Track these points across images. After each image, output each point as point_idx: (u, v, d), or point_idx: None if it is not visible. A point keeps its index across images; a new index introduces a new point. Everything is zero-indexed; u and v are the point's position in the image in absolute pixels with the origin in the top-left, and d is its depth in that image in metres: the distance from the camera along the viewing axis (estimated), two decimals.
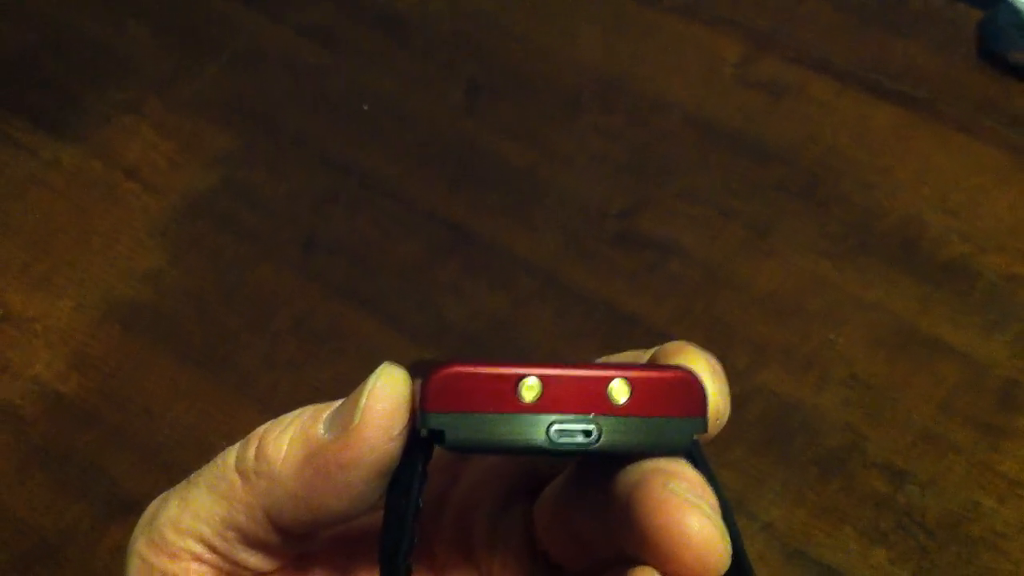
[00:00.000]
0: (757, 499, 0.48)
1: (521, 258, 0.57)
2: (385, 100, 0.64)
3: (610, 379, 0.19)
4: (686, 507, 0.19)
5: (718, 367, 0.22)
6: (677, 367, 0.21)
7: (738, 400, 0.51)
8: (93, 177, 0.61)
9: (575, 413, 0.19)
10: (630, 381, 0.20)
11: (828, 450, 0.49)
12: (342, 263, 0.57)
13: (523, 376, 0.19)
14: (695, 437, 0.21)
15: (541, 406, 0.19)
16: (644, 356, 0.22)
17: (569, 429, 0.19)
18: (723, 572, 0.19)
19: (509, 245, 0.58)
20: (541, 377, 0.19)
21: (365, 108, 0.64)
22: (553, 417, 0.19)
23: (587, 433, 0.19)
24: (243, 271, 0.56)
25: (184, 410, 0.51)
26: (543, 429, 0.19)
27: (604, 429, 0.19)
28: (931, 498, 0.48)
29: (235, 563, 0.22)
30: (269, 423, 0.22)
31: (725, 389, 0.22)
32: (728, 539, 0.19)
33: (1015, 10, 0.64)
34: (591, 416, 0.19)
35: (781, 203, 0.59)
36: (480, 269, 0.57)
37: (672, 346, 0.22)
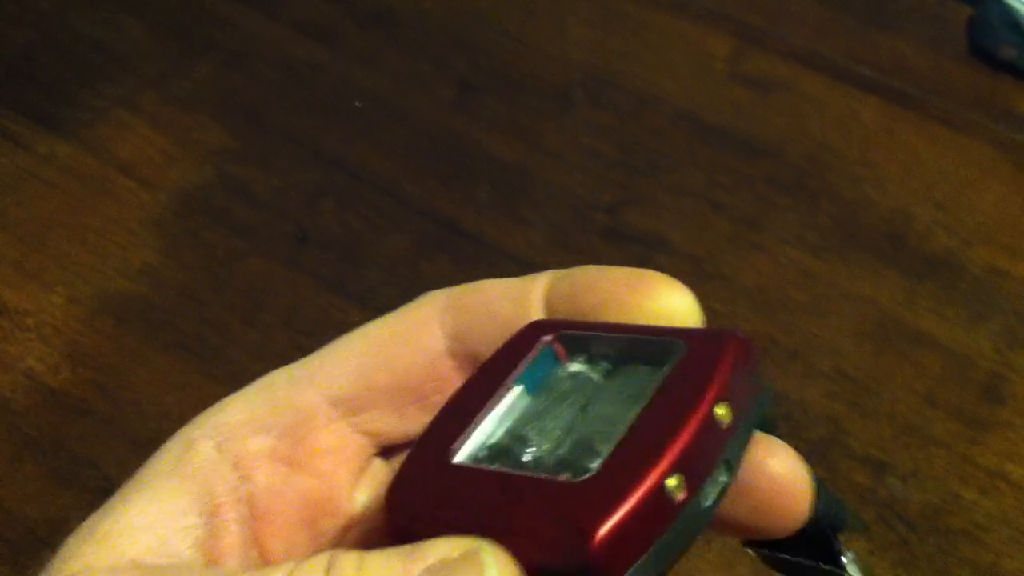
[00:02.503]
0: None
1: (510, 252, 0.58)
2: (377, 96, 0.64)
3: (712, 406, 0.18)
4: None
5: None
6: (725, 334, 0.19)
7: None
8: (88, 172, 0.62)
9: (711, 471, 0.18)
10: (725, 396, 0.18)
11: (810, 442, 0.50)
12: (333, 257, 0.58)
13: (665, 477, 0.17)
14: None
15: (690, 488, 0.17)
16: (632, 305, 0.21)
17: (714, 488, 0.18)
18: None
19: (499, 240, 0.58)
20: (675, 465, 0.17)
21: (357, 105, 0.64)
22: (702, 489, 0.17)
23: (728, 469, 0.18)
24: (235, 265, 0.57)
25: (175, 402, 0.52)
26: (702, 503, 0.17)
27: (731, 457, 0.18)
28: (912, 490, 0.48)
29: None
30: None
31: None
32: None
33: (1004, 6, 0.64)
34: (720, 461, 0.18)
35: (769, 197, 0.60)
36: (470, 263, 0.57)
37: (675, 302, 0.21)
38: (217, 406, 0.23)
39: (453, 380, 0.22)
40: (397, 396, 0.22)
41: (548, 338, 0.21)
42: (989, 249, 0.57)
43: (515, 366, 0.21)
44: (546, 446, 0.19)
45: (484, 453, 0.20)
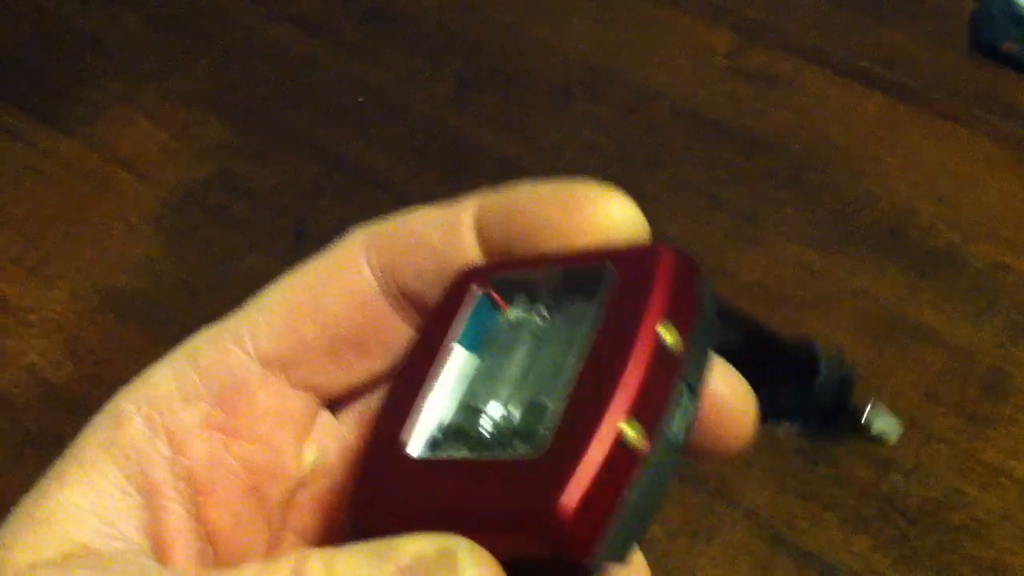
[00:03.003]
0: (741, 485, 0.48)
1: None
2: (375, 91, 0.64)
3: (655, 332, 0.16)
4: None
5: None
6: (657, 249, 0.17)
7: None
8: (88, 167, 0.62)
9: (670, 407, 0.16)
10: (668, 318, 0.16)
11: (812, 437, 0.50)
12: None
13: (620, 427, 0.15)
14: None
15: (650, 431, 0.16)
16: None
17: (681, 421, 0.16)
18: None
19: None
20: (629, 411, 0.15)
21: (360, 100, 0.64)
22: (666, 426, 0.16)
23: (692, 394, 0.16)
24: (234, 260, 0.57)
25: None
26: (671, 441, 0.16)
27: (692, 381, 0.17)
28: (914, 486, 0.48)
29: None
30: None
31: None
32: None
33: (1007, 1, 0.64)
34: (678, 390, 0.16)
35: (769, 192, 0.60)
36: None
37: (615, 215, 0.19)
38: (144, 375, 0.21)
39: (389, 322, 0.21)
40: (333, 346, 0.21)
41: (479, 289, 0.19)
42: (991, 244, 0.57)
43: (448, 320, 0.19)
44: (501, 413, 0.18)
45: (440, 436, 0.19)
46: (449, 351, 0.19)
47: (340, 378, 0.21)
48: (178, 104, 0.64)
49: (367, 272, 0.21)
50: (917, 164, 0.60)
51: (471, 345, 0.20)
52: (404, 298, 0.21)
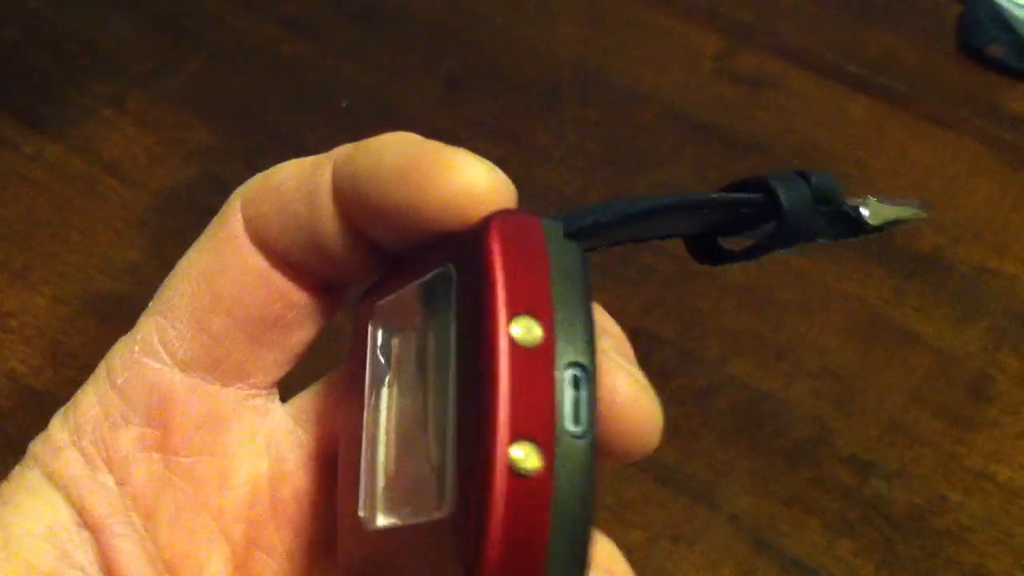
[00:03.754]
0: (724, 489, 0.48)
1: None
2: (364, 92, 0.64)
3: (503, 335, 0.14)
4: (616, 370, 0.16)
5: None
6: (484, 223, 0.15)
7: (708, 390, 0.52)
8: (74, 171, 0.61)
9: (557, 403, 0.14)
10: (514, 310, 0.14)
11: (796, 441, 0.50)
12: None
13: (507, 458, 0.14)
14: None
15: (544, 444, 0.14)
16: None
17: (575, 406, 0.15)
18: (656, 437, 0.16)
19: None
20: (512, 434, 0.14)
21: (344, 105, 0.64)
22: (563, 424, 0.15)
23: (586, 376, 0.15)
24: None
25: None
26: (575, 435, 0.15)
27: (580, 360, 0.15)
28: (898, 490, 0.48)
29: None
30: None
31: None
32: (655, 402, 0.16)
33: (993, 4, 0.64)
34: (562, 373, 0.15)
35: None
36: None
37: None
38: (72, 403, 0.20)
39: (291, 290, 0.20)
40: (249, 332, 0.20)
41: (370, 317, 0.19)
42: (977, 247, 0.57)
43: (363, 362, 0.19)
44: (416, 462, 0.17)
45: (383, 498, 0.18)
46: (366, 397, 0.18)
47: (266, 361, 0.20)
48: (165, 107, 0.64)
49: (252, 247, 0.19)
50: (904, 167, 0.60)
51: (384, 381, 0.18)
52: (291, 267, 0.20)
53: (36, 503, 0.20)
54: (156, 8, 0.69)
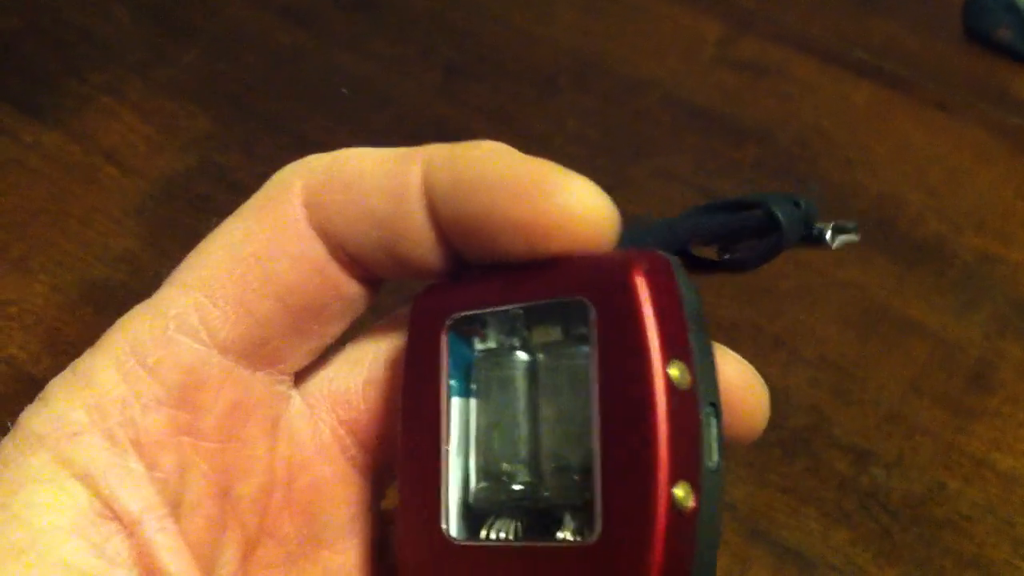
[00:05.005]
0: None
1: None
2: (362, 81, 0.64)
3: (664, 380, 0.16)
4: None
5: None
6: (628, 271, 0.16)
7: None
8: (72, 160, 0.61)
9: (700, 442, 0.16)
10: (669, 355, 0.16)
11: (793, 430, 0.49)
12: None
13: (672, 497, 0.15)
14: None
15: (694, 484, 0.16)
16: None
17: (713, 444, 0.17)
18: None
19: None
20: (674, 475, 0.15)
21: (344, 92, 0.64)
22: (705, 462, 0.16)
23: (713, 409, 0.17)
24: None
25: None
26: (714, 472, 0.16)
27: (707, 396, 0.17)
28: (896, 479, 0.48)
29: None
30: None
31: None
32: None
33: None
34: (704, 413, 0.16)
35: (758, 182, 0.59)
36: None
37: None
38: (82, 373, 0.19)
39: (343, 283, 0.19)
40: (291, 319, 0.19)
41: (448, 325, 0.18)
42: (981, 235, 0.56)
43: (435, 369, 0.18)
44: (526, 479, 0.18)
45: (476, 513, 0.18)
46: (447, 405, 0.18)
47: (302, 349, 0.20)
48: (163, 96, 0.64)
49: (314, 236, 0.19)
50: (907, 154, 0.60)
51: (463, 391, 0.19)
52: (351, 259, 0.19)
53: (52, 493, 0.17)
54: None
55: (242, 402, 0.19)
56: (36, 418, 0.19)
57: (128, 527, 0.18)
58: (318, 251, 0.19)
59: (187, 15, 0.67)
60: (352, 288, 0.20)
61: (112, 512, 0.18)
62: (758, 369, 0.53)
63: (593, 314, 0.16)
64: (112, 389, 0.19)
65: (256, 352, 0.19)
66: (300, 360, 0.20)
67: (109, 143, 0.62)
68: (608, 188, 0.65)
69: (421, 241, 0.19)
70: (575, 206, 0.17)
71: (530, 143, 0.62)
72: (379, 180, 0.19)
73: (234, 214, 0.20)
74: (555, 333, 0.18)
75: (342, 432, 0.20)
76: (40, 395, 0.20)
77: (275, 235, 0.19)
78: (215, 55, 0.66)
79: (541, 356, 0.18)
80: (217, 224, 0.20)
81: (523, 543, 0.17)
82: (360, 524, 0.20)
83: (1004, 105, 0.61)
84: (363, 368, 0.21)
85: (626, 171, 0.60)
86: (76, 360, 0.19)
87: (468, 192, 0.18)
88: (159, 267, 0.56)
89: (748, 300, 0.54)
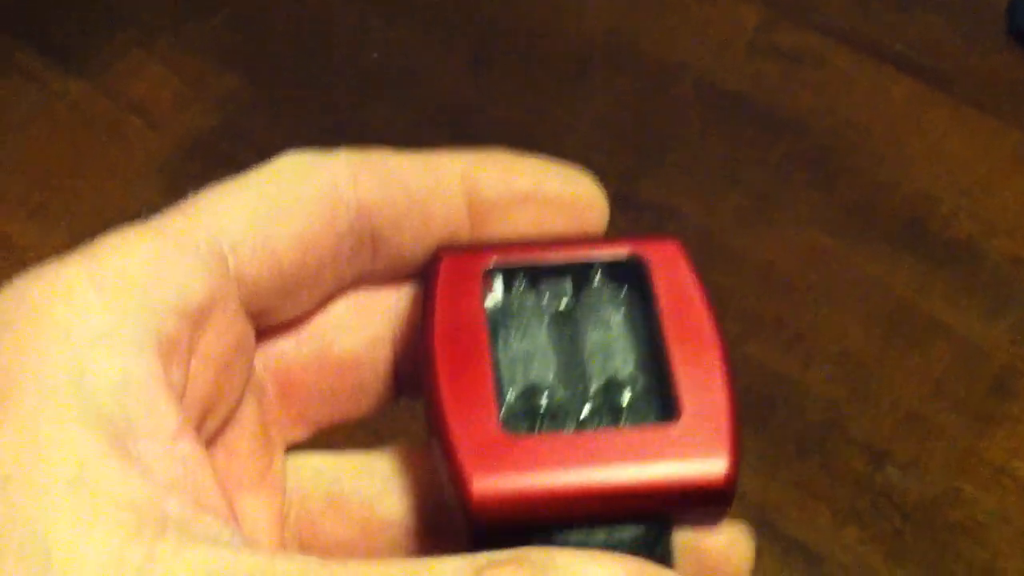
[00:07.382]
0: None
1: None
2: (391, 52, 0.63)
3: (716, 323, 0.19)
4: None
5: None
6: (664, 241, 0.20)
7: None
8: (98, 111, 0.61)
9: None
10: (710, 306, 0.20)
11: (809, 425, 0.48)
12: None
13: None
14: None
15: None
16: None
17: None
18: None
19: None
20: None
21: (375, 56, 0.63)
22: None
23: None
24: None
25: None
26: None
27: None
28: (911, 481, 0.47)
29: None
30: None
31: None
32: None
33: None
34: None
35: (788, 174, 0.58)
36: None
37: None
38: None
39: (347, 262, 0.20)
40: (296, 275, 0.19)
41: (486, 269, 0.20)
42: (1012, 239, 0.55)
43: (475, 307, 0.19)
44: (566, 392, 0.19)
45: (531, 413, 0.19)
46: (484, 334, 0.19)
47: (283, 307, 0.20)
48: (193, 54, 0.63)
49: (348, 208, 0.19)
50: (942, 153, 0.58)
51: (503, 326, 0.20)
52: (366, 242, 0.20)
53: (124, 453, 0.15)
54: None
55: (233, 348, 0.19)
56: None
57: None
58: (346, 221, 0.20)
59: None
60: (350, 262, 0.20)
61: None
62: (778, 362, 0.53)
63: (645, 264, 0.20)
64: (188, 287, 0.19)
65: (255, 293, 0.19)
66: (275, 319, 0.20)
67: (136, 96, 0.62)
68: (637, 174, 0.64)
69: (453, 216, 0.20)
70: (603, 223, 0.21)
71: (557, 125, 0.61)
72: (432, 189, 0.20)
73: (265, 168, 0.19)
74: (594, 285, 0.20)
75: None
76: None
77: (312, 191, 0.19)
78: (246, 15, 0.65)
79: (577, 301, 0.20)
80: None
81: (591, 429, 0.19)
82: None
83: None
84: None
85: (653, 157, 0.59)
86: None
87: (520, 200, 0.20)
88: None
89: (770, 292, 0.53)
